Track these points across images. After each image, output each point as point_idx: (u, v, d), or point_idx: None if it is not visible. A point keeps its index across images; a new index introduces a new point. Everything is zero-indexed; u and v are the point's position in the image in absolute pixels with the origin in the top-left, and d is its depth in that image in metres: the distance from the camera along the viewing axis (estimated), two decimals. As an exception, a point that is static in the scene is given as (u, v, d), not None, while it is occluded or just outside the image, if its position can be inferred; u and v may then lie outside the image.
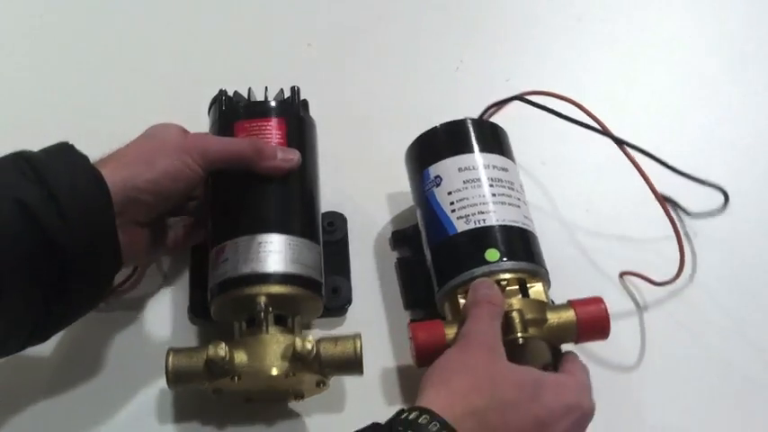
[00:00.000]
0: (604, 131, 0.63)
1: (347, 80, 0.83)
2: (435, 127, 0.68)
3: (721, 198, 0.70)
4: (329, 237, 0.70)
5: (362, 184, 0.76)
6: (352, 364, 0.59)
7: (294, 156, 0.63)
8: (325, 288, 0.64)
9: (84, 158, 0.55)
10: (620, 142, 0.63)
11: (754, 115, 0.79)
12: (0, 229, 0.49)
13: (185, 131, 0.63)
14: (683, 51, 0.83)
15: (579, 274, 0.71)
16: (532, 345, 0.59)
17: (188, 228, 0.67)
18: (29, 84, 0.82)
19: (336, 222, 0.72)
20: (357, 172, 0.76)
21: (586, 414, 0.53)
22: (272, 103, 0.66)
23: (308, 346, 0.57)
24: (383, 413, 0.63)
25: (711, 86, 0.81)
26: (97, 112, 0.81)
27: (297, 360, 0.58)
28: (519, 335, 0.58)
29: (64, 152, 0.55)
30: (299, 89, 0.67)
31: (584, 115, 0.64)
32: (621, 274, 0.70)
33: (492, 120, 0.73)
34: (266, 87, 0.67)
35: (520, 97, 0.66)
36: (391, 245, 0.72)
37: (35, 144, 0.74)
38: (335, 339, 0.60)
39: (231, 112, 0.66)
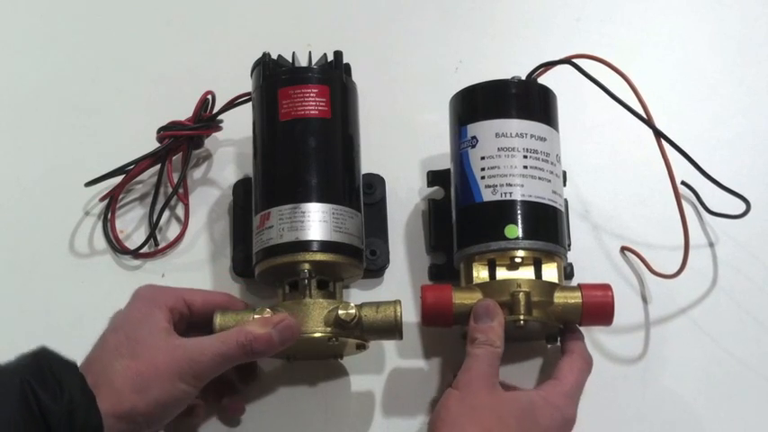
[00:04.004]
0: (647, 120, 0.62)
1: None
2: (478, 84, 0.67)
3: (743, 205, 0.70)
4: (367, 199, 0.71)
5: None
6: (392, 330, 0.62)
7: (292, 333, 0.59)
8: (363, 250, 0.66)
9: (90, 399, 0.53)
10: (658, 134, 0.61)
11: (755, 115, 0.79)
12: None
13: (169, 321, 0.59)
14: (683, 51, 0.82)
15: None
16: (531, 325, 0.62)
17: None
18: (30, 81, 0.82)
19: (375, 184, 0.72)
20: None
21: (570, 422, 0.59)
22: (315, 71, 0.66)
23: (352, 312, 0.60)
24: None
25: (712, 86, 0.80)
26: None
27: (339, 326, 0.60)
28: (521, 317, 0.61)
29: (71, 393, 0.53)
30: (341, 54, 0.67)
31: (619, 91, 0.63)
32: (622, 248, 0.72)
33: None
34: (309, 52, 0.68)
35: (568, 60, 0.65)
36: (428, 183, 0.73)
37: (35, 144, 0.77)
38: (377, 306, 0.62)
39: (274, 77, 0.66)
